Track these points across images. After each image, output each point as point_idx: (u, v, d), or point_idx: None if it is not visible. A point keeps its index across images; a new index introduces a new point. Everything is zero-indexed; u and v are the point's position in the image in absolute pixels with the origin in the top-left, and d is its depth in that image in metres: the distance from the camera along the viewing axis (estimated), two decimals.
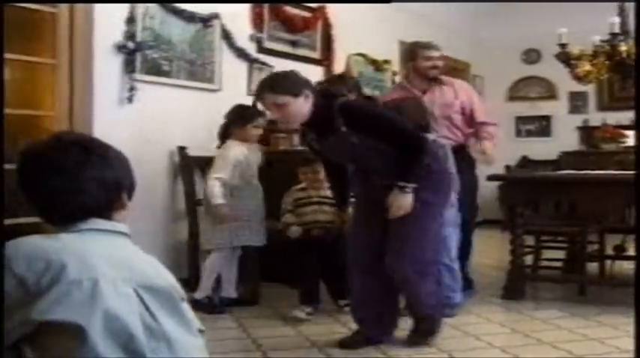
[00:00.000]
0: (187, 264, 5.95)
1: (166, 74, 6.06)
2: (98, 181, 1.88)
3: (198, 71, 6.35)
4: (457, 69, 11.14)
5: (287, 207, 5.42)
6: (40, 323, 1.62)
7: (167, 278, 1.92)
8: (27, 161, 1.93)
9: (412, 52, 5.91)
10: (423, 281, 4.05)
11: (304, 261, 5.27)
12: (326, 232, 5.29)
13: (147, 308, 1.79)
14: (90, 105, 5.26)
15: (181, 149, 5.98)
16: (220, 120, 5.53)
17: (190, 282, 5.55)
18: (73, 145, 1.91)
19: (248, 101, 6.89)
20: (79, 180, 1.86)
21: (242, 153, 5.40)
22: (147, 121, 5.82)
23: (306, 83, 3.96)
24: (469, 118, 5.77)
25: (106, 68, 5.50)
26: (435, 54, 5.83)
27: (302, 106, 3.90)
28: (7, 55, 5.07)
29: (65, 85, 5.23)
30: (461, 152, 5.49)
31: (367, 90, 8.66)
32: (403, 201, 3.93)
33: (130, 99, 5.65)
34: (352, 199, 4.69)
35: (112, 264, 1.77)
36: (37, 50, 5.28)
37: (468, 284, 5.37)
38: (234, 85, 6.78)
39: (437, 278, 4.06)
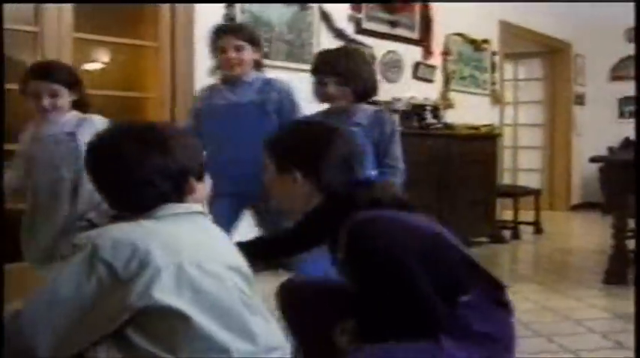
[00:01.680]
0: None
1: (265, 55, 6.10)
2: (160, 171, 1.91)
3: (297, 52, 6.39)
4: (558, 48, 10.93)
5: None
6: (138, 308, 1.68)
7: (240, 257, 2.00)
8: (89, 157, 1.99)
9: None
10: None
11: None
12: None
13: (238, 287, 1.85)
14: (191, 86, 5.33)
15: None
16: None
17: None
18: (130, 139, 1.96)
19: None
20: (139, 172, 1.90)
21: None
22: None
23: (306, 161, 2.36)
24: None
25: (207, 50, 5.56)
26: None
27: (282, 187, 2.41)
28: (112, 39, 5.21)
29: (167, 68, 5.32)
30: None
31: (467, 70, 8.62)
32: None
33: None
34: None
35: (195, 246, 1.84)
36: (139, 33, 5.39)
37: None
38: None
39: None
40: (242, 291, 1.86)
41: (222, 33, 3.92)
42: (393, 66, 7.62)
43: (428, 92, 7.92)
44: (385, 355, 2.14)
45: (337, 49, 4.34)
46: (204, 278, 1.76)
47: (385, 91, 7.21)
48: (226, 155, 3.59)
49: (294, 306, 2.72)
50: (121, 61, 5.61)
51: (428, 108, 7.56)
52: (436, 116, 7.61)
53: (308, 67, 6.34)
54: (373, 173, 3.59)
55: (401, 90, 7.49)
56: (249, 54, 3.85)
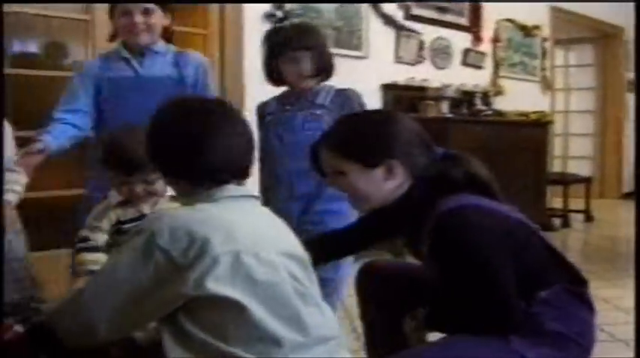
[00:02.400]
0: None
1: None
2: (222, 152, 1.92)
3: (345, 39, 6.37)
4: (610, 34, 10.78)
5: (94, 233, 2.66)
6: (192, 296, 1.68)
7: (297, 243, 1.98)
8: (154, 130, 2.00)
9: None
10: None
11: None
12: None
13: (292, 275, 1.83)
14: (240, 73, 5.36)
15: None
16: (367, 87, 5.46)
17: None
18: (196, 112, 1.96)
19: (396, 69, 6.90)
20: (200, 153, 1.90)
21: None
22: None
23: (393, 146, 2.20)
24: None
25: (256, 37, 5.56)
26: None
27: (375, 184, 2.21)
28: None
29: (216, 55, 5.34)
30: None
31: (517, 57, 8.54)
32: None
33: None
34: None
35: (251, 233, 1.82)
36: (189, 21, 5.40)
37: None
38: (382, 53, 6.78)
39: None
40: (296, 279, 1.84)
41: None
42: (443, 52, 7.57)
43: (477, 79, 7.87)
44: (453, 352, 2.07)
45: (296, 25, 3.81)
46: (260, 267, 1.75)
47: (434, 78, 7.20)
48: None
49: (372, 289, 2.64)
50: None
51: (477, 94, 7.54)
52: (486, 103, 7.58)
53: (356, 53, 6.41)
54: None
55: (450, 76, 7.45)
56: (158, 18, 3.28)
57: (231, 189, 1.93)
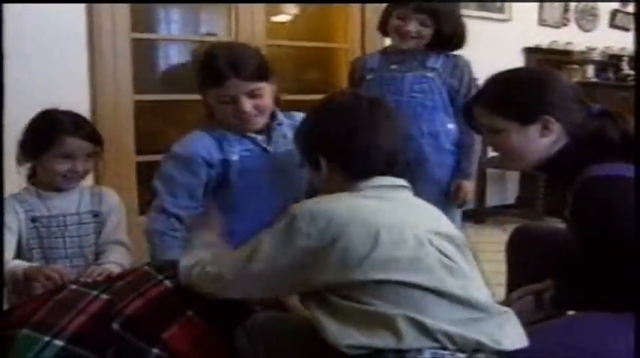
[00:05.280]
0: None
1: None
2: (376, 147, 1.98)
3: (488, 1, 6.27)
4: None
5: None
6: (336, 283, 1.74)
7: (450, 225, 1.98)
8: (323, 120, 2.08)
9: None
10: None
11: None
12: None
13: (440, 250, 1.82)
14: (380, 36, 5.35)
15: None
16: (510, 51, 5.35)
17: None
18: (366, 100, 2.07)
19: (539, 32, 6.76)
20: (364, 146, 1.97)
21: None
22: None
23: (549, 101, 2.17)
24: None
25: None
26: None
27: (531, 141, 2.19)
28: None
29: (357, 18, 5.34)
30: None
31: None
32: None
33: None
34: None
35: (395, 214, 1.85)
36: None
37: None
38: (525, 15, 6.64)
39: None
40: (444, 254, 1.83)
41: None
42: (589, 14, 7.35)
43: (625, 42, 7.60)
44: (587, 328, 2.00)
45: None
46: (400, 243, 1.76)
47: (579, 41, 7.02)
48: None
49: (519, 253, 2.63)
50: (310, 12, 5.67)
51: (625, 58, 7.31)
52: (634, 67, 7.34)
53: (499, 16, 6.31)
54: (451, 126, 3.18)
55: (596, 39, 7.23)
56: (269, 94, 2.60)
57: (376, 179, 1.96)
